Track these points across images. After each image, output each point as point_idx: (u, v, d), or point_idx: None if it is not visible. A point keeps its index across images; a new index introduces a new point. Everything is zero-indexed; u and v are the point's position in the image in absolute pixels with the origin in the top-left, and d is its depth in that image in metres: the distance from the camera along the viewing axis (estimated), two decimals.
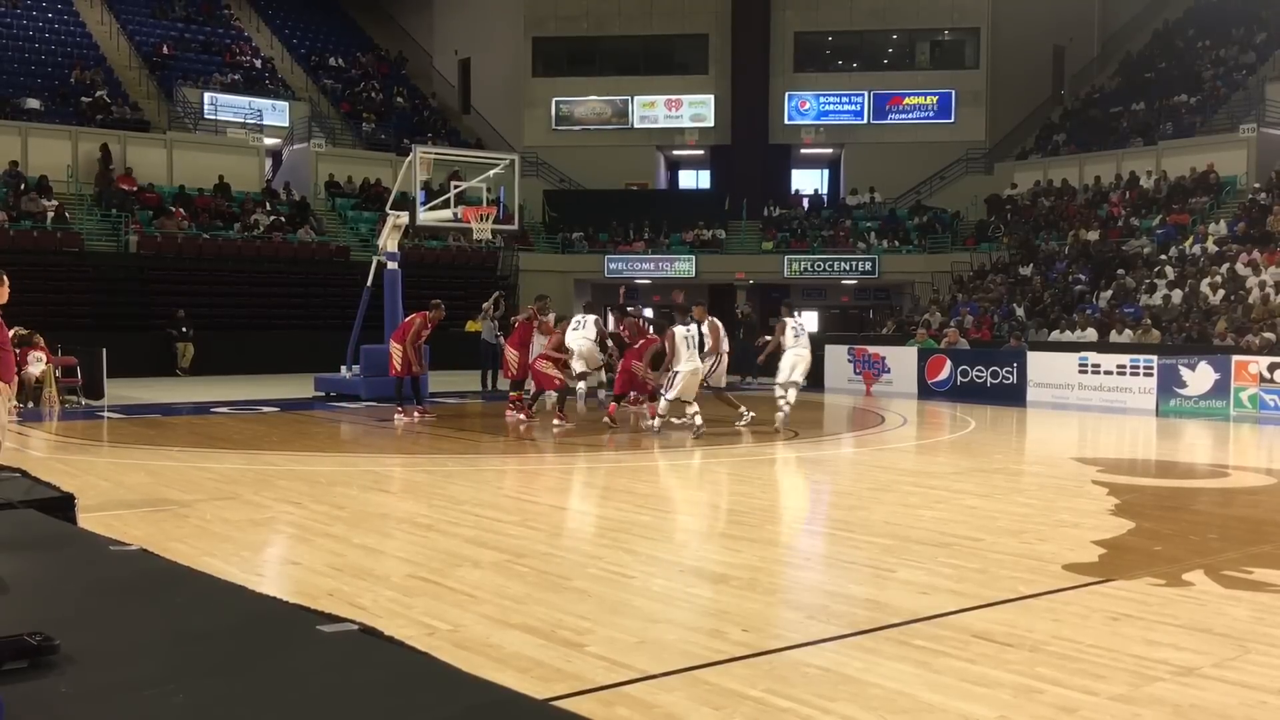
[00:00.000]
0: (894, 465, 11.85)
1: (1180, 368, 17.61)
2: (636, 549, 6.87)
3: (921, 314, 27.91)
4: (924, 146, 36.93)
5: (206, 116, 33.92)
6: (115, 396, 17.96)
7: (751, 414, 14.30)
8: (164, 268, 27.01)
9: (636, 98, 38.68)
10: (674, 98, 38.68)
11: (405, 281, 19.15)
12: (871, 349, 22.64)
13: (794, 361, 14.29)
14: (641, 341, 14.21)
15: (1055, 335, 23.56)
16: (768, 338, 15.21)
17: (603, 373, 16.39)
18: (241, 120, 34.25)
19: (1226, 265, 24.13)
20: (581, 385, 14.98)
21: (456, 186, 19.93)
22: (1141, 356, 18.23)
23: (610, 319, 17.45)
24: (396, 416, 14.91)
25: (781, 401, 14.03)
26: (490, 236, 20.44)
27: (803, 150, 39.52)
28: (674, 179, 41.83)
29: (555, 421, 14.10)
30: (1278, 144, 29.34)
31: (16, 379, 8.43)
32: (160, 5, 38.05)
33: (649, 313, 19.09)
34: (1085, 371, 18.60)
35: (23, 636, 2.30)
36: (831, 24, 38.20)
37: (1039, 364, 19.43)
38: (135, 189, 28.87)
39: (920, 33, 38.45)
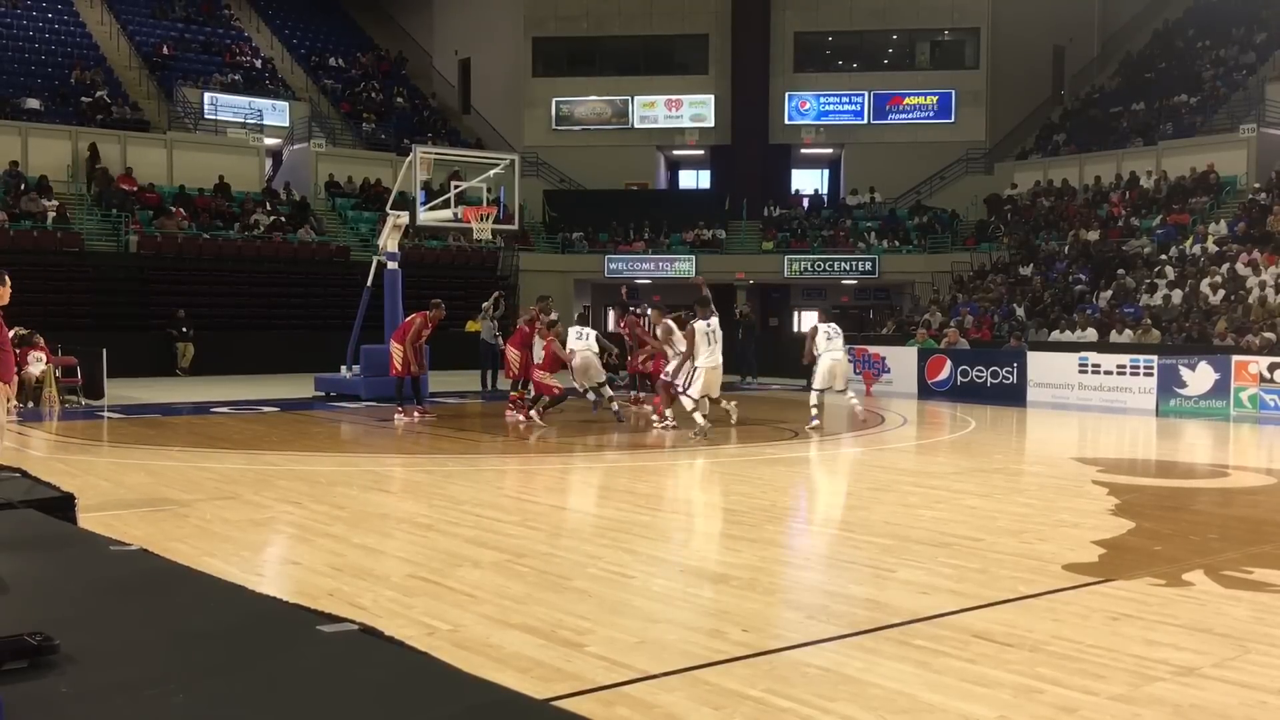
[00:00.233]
0: (894, 465, 11.85)
1: (1180, 368, 17.61)
2: (636, 549, 6.87)
3: (921, 314, 27.91)
4: (924, 146, 36.93)
5: (206, 116, 33.92)
6: (115, 396, 17.96)
7: (673, 424, 13.89)
8: (164, 268, 27.01)
9: (636, 98, 38.68)
10: (674, 98, 38.68)
11: (405, 281, 19.16)
12: (871, 349, 22.63)
13: (830, 366, 14.51)
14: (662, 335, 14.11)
15: (1055, 335, 23.56)
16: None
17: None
18: (241, 120, 34.25)
19: (1226, 265, 24.13)
20: (592, 395, 15.22)
21: (456, 186, 19.94)
22: (1141, 356, 18.23)
23: (611, 316, 17.45)
24: (396, 416, 14.91)
25: (814, 410, 14.29)
26: (490, 236, 20.44)
27: (803, 150, 39.52)
28: (674, 179, 41.82)
29: (538, 421, 14.27)
30: (1278, 144, 29.33)
31: (16, 379, 8.43)
32: (160, 5, 38.04)
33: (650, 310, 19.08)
34: (1085, 371, 18.60)
35: (23, 636, 2.29)
36: (831, 24, 38.20)
37: (1039, 364, 19.43)
38: (135, 189, 28.87)
39: (920, 33, 38.44)
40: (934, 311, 27.25)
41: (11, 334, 8.06)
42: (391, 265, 18.70)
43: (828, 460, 12.33)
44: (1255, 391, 16.98)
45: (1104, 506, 8.48)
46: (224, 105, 34.30)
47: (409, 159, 19.37)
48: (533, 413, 14.66)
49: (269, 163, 34.85)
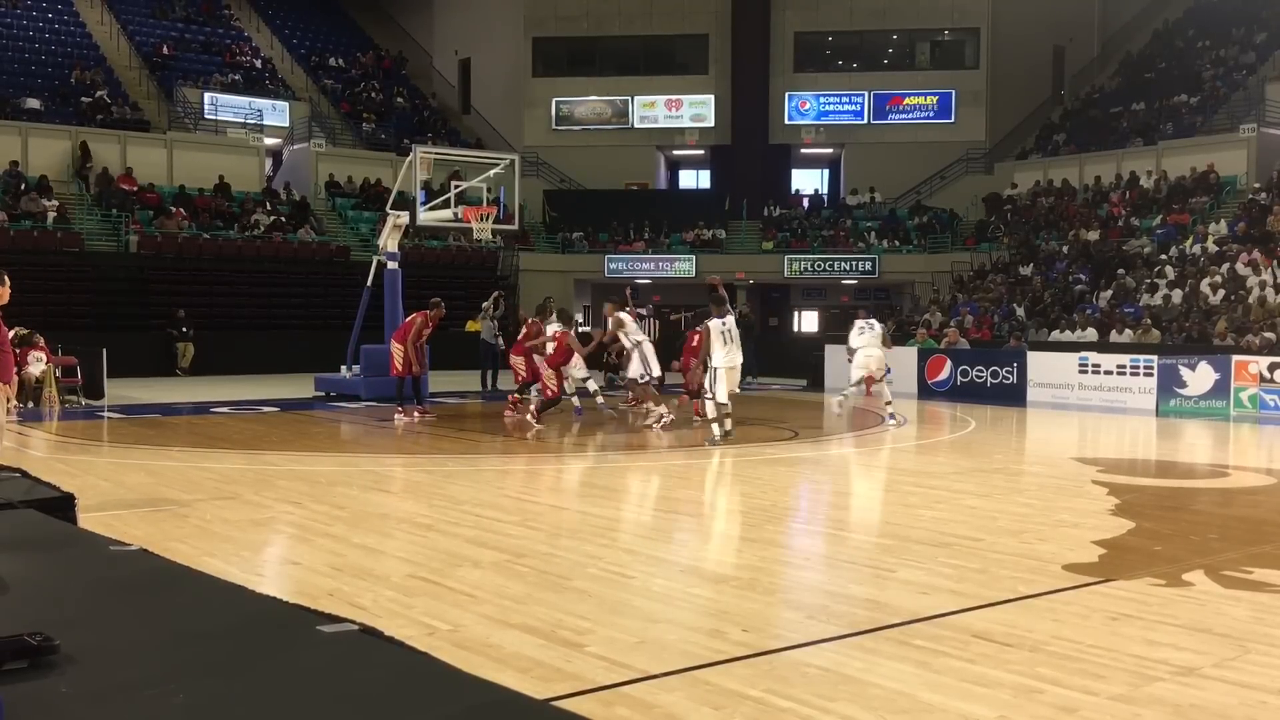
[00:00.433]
0: (894, 465, 11.86)
1: (1180, 368, 17.61)
2: (636, 549, 6.87)
3: (921, 314, 27.91)
4: (924, 146, 36.92)
5: (206, 116, 33.92)
6: (115, 396, 17.96)
7: (663, 418, 13.96)
8: (164, 268, 27.01)
9: (636, 98, 38.68)
10: (674, 98, 38.67)
11: (405, 281, 19.17)
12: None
13: (864, 361, 14.85)
14: (696, 340, 13.83)
15: (1055, 335, 23.55)
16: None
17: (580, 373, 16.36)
18: (241, 120, 34.25)
19: (1226, 265, 24.13)
20: (590, 385, 15.20)
21: (456, 186, 19.94)
22: (1141, 356, 18.23)
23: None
24: (396, 416, 14.91)
25: (840, 397, 15.13)
26: (490, 236, 20.44)
27: (803, 150, 39.52)
28: (674, 179, 41.82)
29: (533, 421, 13.89)
30: (1278, 144, 29.33)
31: (16, 379, 8.43)
32: (160, 5, 38.04)
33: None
34: (1085, 371, 18.60)
35: (23, 636, 2.29)
36: (831, 24, 38.20)
37: (1039, 364, 19.43)
38: (135, 189, 28.87)
39: (920, 33, 38.44)
40: (934, 311, 27.25)
41: (11, 334, 8.06)
42: (391, 265, 18.71)
43: (828, 460, 12.33)
44: (1255, 391, 16.98)
45: (1104, 506, 8.48)
46: (224, 105, 34.30)
47: (409, 159, 19.37)
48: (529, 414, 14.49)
49: (269, 163, 34.85)
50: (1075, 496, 9.02)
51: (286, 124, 35.68)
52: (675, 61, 39.20)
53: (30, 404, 16.01)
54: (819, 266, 34.41)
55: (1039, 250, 29.91)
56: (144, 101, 33.20)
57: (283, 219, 30.32)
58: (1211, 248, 25.46)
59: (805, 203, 38.31)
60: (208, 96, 34.26)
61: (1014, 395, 19.20)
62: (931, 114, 37.67)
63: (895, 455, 12.68)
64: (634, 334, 14.87)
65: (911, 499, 8.83)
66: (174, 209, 28.68)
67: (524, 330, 15.40)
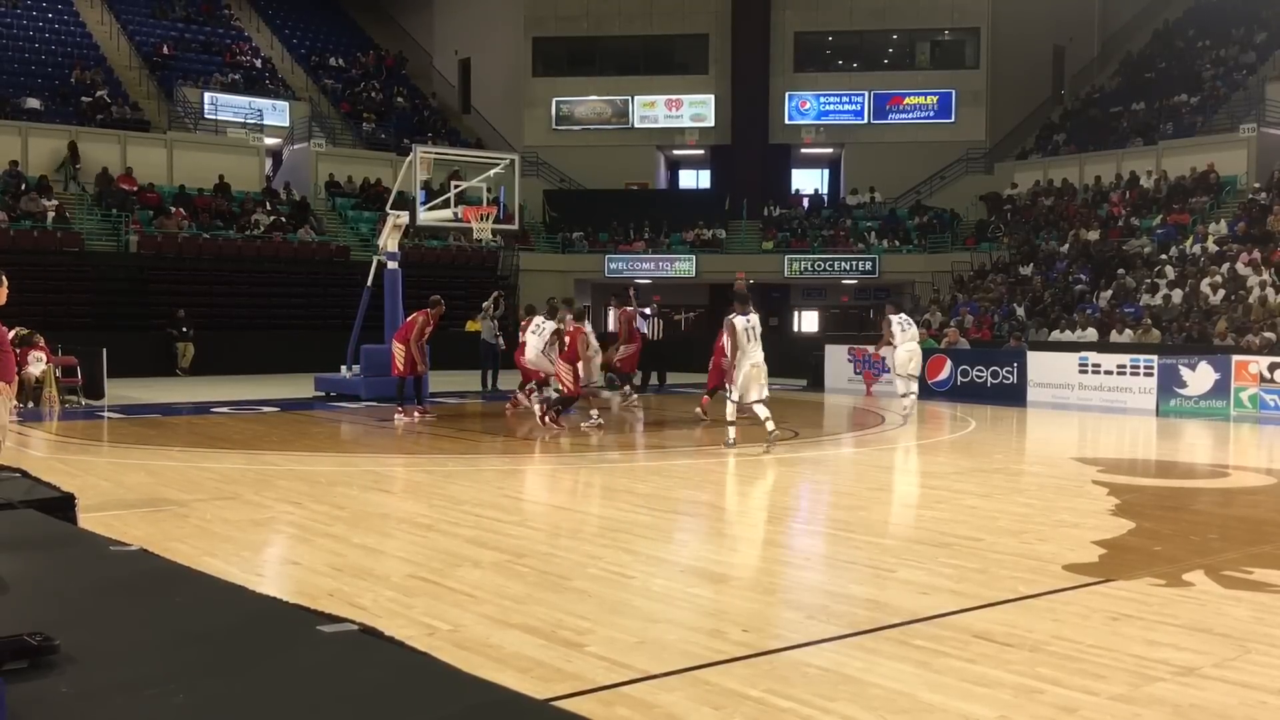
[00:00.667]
0: (894, 465, 11.86)
1: (1180, 368, 17.61)
2: (636, 549, 6.86)
3: (922, 314, 27.91)
4: (924, 146, 36.93)
5: (206, 116, 33.92)
6: (115, 396, 17.96)
7: (600, 420, 14.15)
8: (164, 268, 27.01)
9: (636, 98, 38.68)
10: (674, 98, 38.68)
11: (405, 281, 19.18)
12: (872, 349, 22.60)
13: (909, 357, 15.37)
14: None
15: (1055, 335, 23.56)
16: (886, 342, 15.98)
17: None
18: (241, 120, 34.25)
19: (1227, 265, 24.14)
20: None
21: (456, 186, 19.94)
22: (1141, 356, 18.22)
23: (611, 315, 17.43)
24: (396, 416, 14.91)
25: (904, 397, 15.47)
26: (490, 236, 20.45)
27: (803, 150, 39.52)
28: (674, 179, 41.83)
29: (548, 422, 13.79)
30: (1278, 144, 29.34)
31: (17, 379, 8.42)
32: (160, 5, 38.04)
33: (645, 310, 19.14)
34: (1085, 371, 18.60)
35: (23, 636, 2.29)
36: (831, 24, 38.20)
37: (1039, 364, 19.43)
38: (135, 189, 28.87)
39: (920, 33, 38.45)
40: (934, 311, 27.25)
41: (12, 334, 8.06)
42: (391, 265, 18.71)
43: (828, 460, 12.33)
44: (1255, 391, 16.98)
45: (1104, 506, 8.48)
46: (224, 105, 34.30)
47: (409, 159, 19.36)
48: (540, 412, 14.09)
49: (269, 163, 34.85)
50: (1075, 496, 9.02)
51: (286, 124, 35.69)
52: (675, 61, 39.20)
53: (30, 404, 16.01)
54: (819, 266, 34.41)
55: (1039, 250, 29.91)
56: (144, 101, 33.20)
57: (283, 219, 30.32)
58: (1211, 248, 25.47)
59: (805, 203, 38.31)
60: (208, 96, 34.26)
61: (1014, 395, 19.20)
62: (931, 114, 37.68)
63: (895, 455, 12.68)
64: (593, 343, 14.89)
65: (911, 499, 8.83)
66: (174, 209, 28.68)
67: (567, 340, 14.34)
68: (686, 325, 35.80)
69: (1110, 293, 25.44)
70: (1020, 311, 26.05)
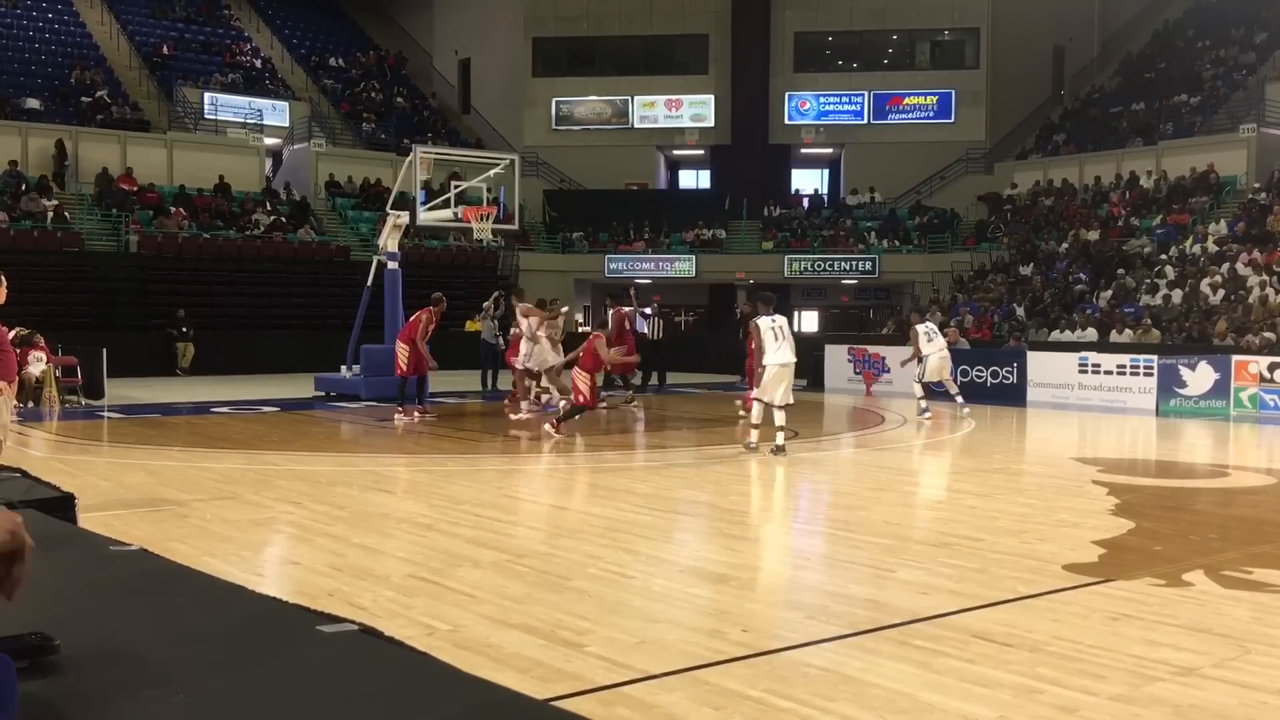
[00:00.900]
0: (894, 465, 11.86)
1: (1180, 368, 17.61)
2: (636, 549, 6.86)
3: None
4: (924, 146, 36.93)
5: (206, 116, 33.92)
6: (115, 396, 17.96)
7: (536, 410, 14.61)
8: (164, 268, 27.01)
9: (636, 98, 38.68)
10: (674, 98, 38.68)
11: (405, 281, 19.18)
12: (871, 349, 22.62)
13: (938, 364, 15.62)
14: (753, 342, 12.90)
15: (1055, 335, 23.55)
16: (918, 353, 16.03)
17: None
18: (241, 120, 34.26)
19: (1226, 265, 24.14)
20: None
21: (456, 186, 19.93)
22: (1141, 356, 18.22)
23: (611, 315, 17.39)
24: (397, 416, 14.91)
25: (923, 402, 15.55)
26: (490, 236, 20.45)
27: (803, 150, 39.53)
28: (674, 179, 41.83)
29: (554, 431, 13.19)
30: (1278, 144, 29.33)
31: (17, 379, 8.43)
32: (160, 5, 38.05)
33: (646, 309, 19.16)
34: (1085, 371, 18.60)
35: (23, 636, 2.29)
36: (831, 24, 38.20)
37: (1039, 364, 19.43)
38: (135, 189, 28.87)
39: (920, 33, 38.45)
40: (934, 311, 27.24)
41: (12, 334, 8.06)
42: (391, 265, 18.71)
43: (828, 460, 12.33)
44: (1255, 391, 16.98)
45: (1104, 506, 8.47)
46: (224, 105, 34.31)
47: (409, 159, 19.36)
48: (550, 428, 13.23)
49: (269, 163, 34.86)
50: (1075, 496, 9.01)
51: (286, 124, 35.69)
52: (675, 61, 39.20)
53: (30, 404, 16.01)
54: (819, 266, 34.41)
55: (1039, 250, 29.91)
56: (144, 101, 33.20)
57: (283, 219, 30.32)
58: (1211, 248, 25.47)
59: (805, 203, 38.32)
60: (208, 96, 34.26)
61: (1014, 395, 19.20)
62: (931, 114, 37.68)
63: (895, 455, 12.68)
64: (532, 328, 15.28)
65: (911, 499, 8.83)
66: (174, 209, 28.69)
67: (590, 341, 13.45)
68: (686, 326, 35.83)
69: (1110, 293, 25.44)
70: (1020, 311, 26.05)
